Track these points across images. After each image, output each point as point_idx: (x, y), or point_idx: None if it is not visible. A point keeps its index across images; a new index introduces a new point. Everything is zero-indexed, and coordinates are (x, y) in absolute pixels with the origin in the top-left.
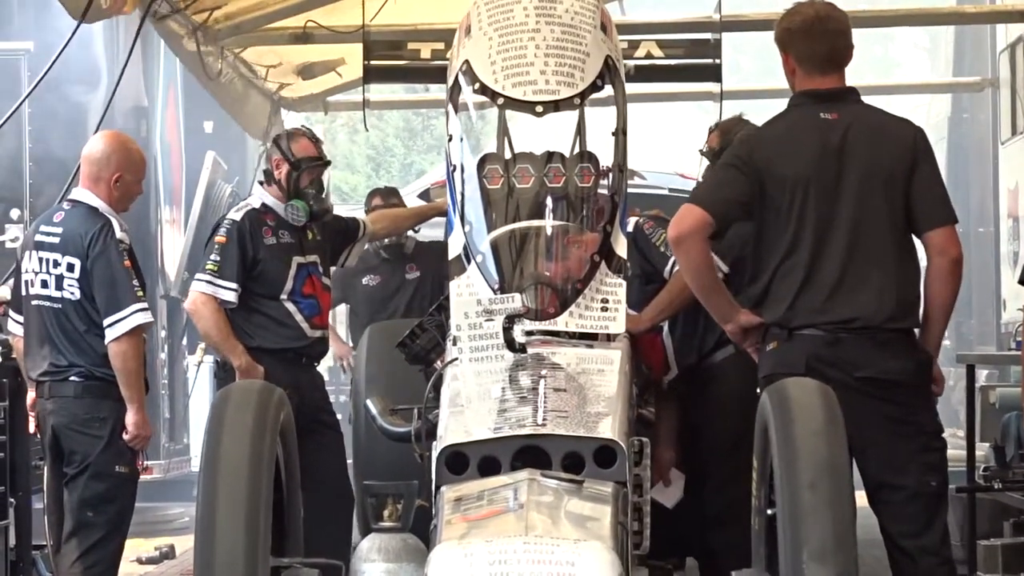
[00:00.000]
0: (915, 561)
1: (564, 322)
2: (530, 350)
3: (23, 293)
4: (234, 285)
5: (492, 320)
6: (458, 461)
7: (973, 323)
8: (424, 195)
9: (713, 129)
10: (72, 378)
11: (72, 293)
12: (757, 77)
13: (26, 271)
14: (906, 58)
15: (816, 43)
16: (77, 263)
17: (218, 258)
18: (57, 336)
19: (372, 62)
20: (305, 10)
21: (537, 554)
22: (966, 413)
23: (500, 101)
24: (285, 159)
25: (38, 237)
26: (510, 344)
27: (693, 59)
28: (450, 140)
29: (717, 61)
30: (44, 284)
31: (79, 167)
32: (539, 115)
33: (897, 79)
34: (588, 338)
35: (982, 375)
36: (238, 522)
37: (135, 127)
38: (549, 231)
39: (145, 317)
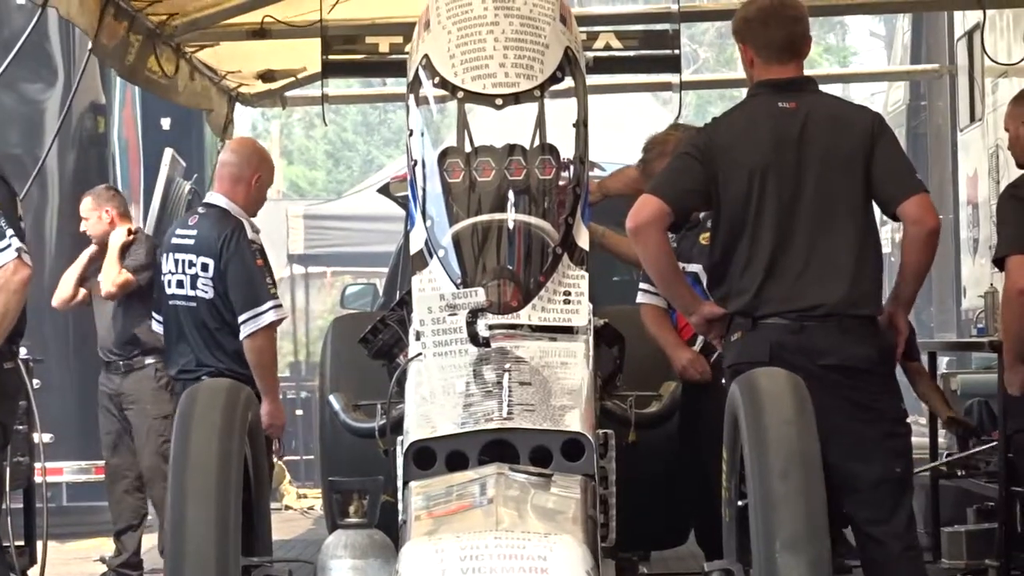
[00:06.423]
0: (883, 546)
1: (527, 315)
2: (493, 344)
3: (162, 293)
4: None
5: (455, 315)
6: (425, 456)
7: (933, 310)
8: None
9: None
10: (203, 377)
11: (205, 292)
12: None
13: (164, 273)
14: (862, 46)
15: (773, 31)
16: (211, 263)
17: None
18: (191, 334)
19: (330, 57)
20: (261, 5)
21: (508, 549)
22: None
23: (460, 95)
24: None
25: (174, 240)
26: (473, 338)
27: (651, 50)
28: (410, 135)
29: (676, 52)
30: (180, 284)
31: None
32: (499, 108)
33: (854, 68)
34: (551, 331)
35: (943, 362)
36: (209, 520)
37: (92, 125)
38: (511, 224)
39: (280, 313)
